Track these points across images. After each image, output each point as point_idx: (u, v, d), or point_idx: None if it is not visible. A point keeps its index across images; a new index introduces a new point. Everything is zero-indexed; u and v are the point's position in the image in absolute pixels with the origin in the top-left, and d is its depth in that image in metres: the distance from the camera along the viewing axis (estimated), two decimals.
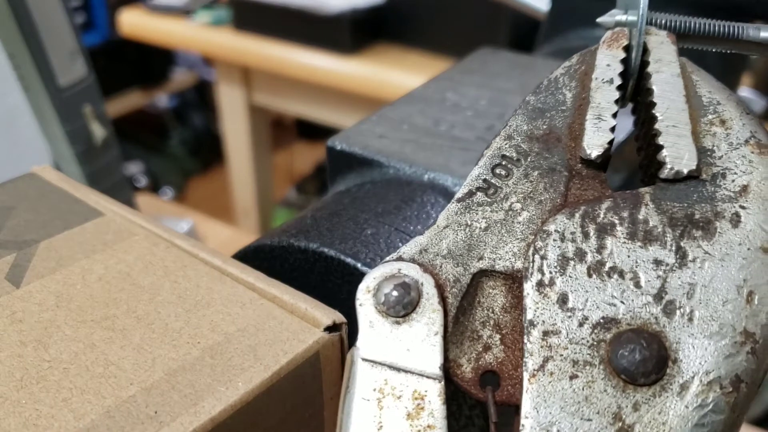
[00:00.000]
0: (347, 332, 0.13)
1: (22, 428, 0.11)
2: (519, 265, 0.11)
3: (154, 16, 0.94)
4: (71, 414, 0.11)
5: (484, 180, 0.11)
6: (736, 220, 0.10)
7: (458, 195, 0.11)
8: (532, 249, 0.10)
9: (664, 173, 0.11)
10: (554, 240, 0.10)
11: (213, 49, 0.90)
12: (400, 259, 0.11)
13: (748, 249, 0.10)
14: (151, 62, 1.38)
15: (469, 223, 0.11)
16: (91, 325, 0.13)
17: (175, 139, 1.54)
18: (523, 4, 0.32)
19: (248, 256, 0.17)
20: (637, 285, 0.10)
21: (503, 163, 0.11)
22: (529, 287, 0.10)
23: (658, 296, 0.10)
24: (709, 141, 0.11)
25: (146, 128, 1.53)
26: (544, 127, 0.12)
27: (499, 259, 0.11)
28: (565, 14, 0.28)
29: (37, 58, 0.32)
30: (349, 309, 0.16)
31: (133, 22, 0.96)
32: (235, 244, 0.22)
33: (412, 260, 0.11)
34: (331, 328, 0.13)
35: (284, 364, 0.12)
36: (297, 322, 0.13)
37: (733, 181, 0.11)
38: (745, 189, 0.10)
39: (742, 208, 0.10)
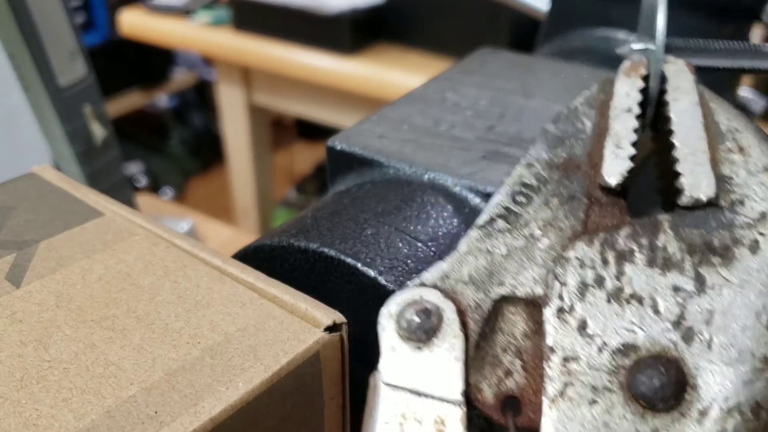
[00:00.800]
0: (348, 332, 0.13)
1: (22, 428, 0.11)
2: (539, 291, 0.11)
3: (154, 16, 0.94)
4: (71, 414, 0.11)
5: (505, 207, 0.11)
6: (754, 247, 0.10)
7: (479, 222, 0.11)
8: (552, 275, 0.11)
9: (683, 200, 0.11)
10: (574, 266, 0.11)
11: (213, 49, 0.90)
12: (422, 284, 0.11)
13: (767, 275, 0.10)
14: (151, 62, 1.38)
15: (490, 249, 0.11)
16: (91, 325, 0.13)
17: (175, 139, 1.54)
18: (523, 4, 0.32)
19: (248, 256, 0.17)
20: (656, 311, 0.10)
21: (523, 190, 0.12)
22: (549, 313, 0.10)
23: (677, 323, 0.10)
24: (728, 168, 0.11)
25: (146, 128, 1.53)
26: (564, 155, 0.12)
27: (520, 285, 0.11)
28: (565, 14, 0.28)
29: (37, 58, 0.32)
30: (348, 309, 0.16)
31: (133, 22, 0.96)
32: (235, 244, 0.22)
33: (434, 286, 0.11)
34: (332, 328, 0.13)
35: (284, 364, 0.12)
36: (297, 322, 0.13)
37: (752, 208, 0.11)
38: (763, 216, 0.10)
39: (761, 234, 0.10)
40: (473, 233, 0.11)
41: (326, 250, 0.15)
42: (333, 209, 0.17)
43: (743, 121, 0.12)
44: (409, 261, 0.15)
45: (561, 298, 0.10)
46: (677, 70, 0.12)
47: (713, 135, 0.11)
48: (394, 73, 0.74)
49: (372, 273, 0.15)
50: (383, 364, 0.11)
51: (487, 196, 0.17)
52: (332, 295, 0.16)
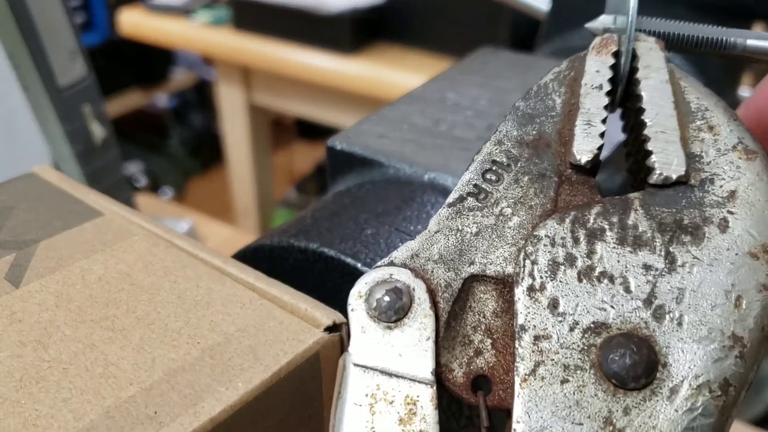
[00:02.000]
0: (347, 332, 0.13)
1: (21, 428, 0.11)
2: (510, 269, 0.11)
3: (153, 16, 0.94)
4: (71, 414, 0.11)
5: (475, 185, 0.11)
6: (724, 226, 0.10)
7: (449, 200, 0.11)
8: (522, 254, 0.11)
9: (653, 178, 0.11)
10: (545, 245, 0.10)
11: (213, 49, 0.90)
12: (391, 264, 0.11)
13: (736, 254, 0.10)
14: (150, 62, 1.38)
15: (460, 228, 0.11)
16: (90, 325, 0.13)
17: (175, 139, 1.54)
18: (523, 3, 0.32)
19: (248, 256, 0.17)
20: (627, 290, 0.10)
21: (494, 168, 0.11)
22: (520, 292, 0.10)
23: (648, 301, 0.10)
24: (698, 147, 0.11)
25: (146, 128, 1.53)
26: (534, 132, 0.12)
27: (490, 264, 0.11)
28: (565, 14, 0.28)
29: (36, 58, 0.32)
30: None
31: (132, 22, 0.96)
32: (235, 244, 0.22)
33: (404, 265, 0.11)
34: (331, 329, 0.13)
35: (284, 365, 0.12)
36: (297, 322, 0.13)
37: (721, 186, 0.11)
38: (732, 194, 0.11)
39: (730, 213, 0.10)
40: (443, 212, 0.11)
41: (326, 250, 0.15)
42: (333, 209, 0.17)
43: (713, 99, 0.12)
44: None
45: (532, 276, 0.10)
46: (648, 47, 0.12)
47: (683, 113, 0.11)
48: (394, 73, 0.74)
49: None
50: (353, 344, 0.11)
51: None
52: (332, 295, 0.16)
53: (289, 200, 1.27)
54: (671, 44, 0.13)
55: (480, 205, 0.11)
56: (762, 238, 0.10)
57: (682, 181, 0.11)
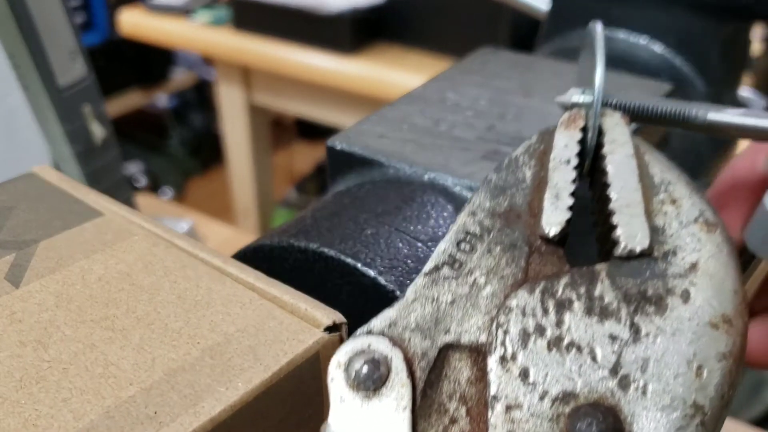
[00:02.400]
0: (347, 332, 0.13)
1: (21, 428, 0.11)
2: (483, 338, 0.11)
3: (153, 16, 0.94)
4: (71, 414, 0.11)
5: (450, 255, 0.12)
6: (686, 296, 0.11)
7: (425, 269, 0.12)
8: (495, 324, 0.11)
9: (619, 251, 0.11)
10: (516, 315, 0.11)
11: (213, 49, 0.90)
12: (370, 332, 0.11)
13: (697, 324, 0.10)
14: (150, 62, 1.38)
15: (436, 296, 0.11)
16: (90, 325, 0.13)
17: (175, 139, 1.54)
18: (523, 3, 0.32)
19: (248, 256, 0.17)
20: (594, 359, 0.10)
21: (467, 238, 0.12)
22: (492, 362, 0.11)
23: (614, 370, 0.10)
24: (661, 219, 0.12)
25: (146, 128, 1.53)
26: (506, 204, 0.12)
27: (465, 333, 0.11)
28: (565, 14, 0.28)
29: (36, 58, 0.32)
30: (348, 309, 0.16)
31: (132, 22, 0.96)
32: (235, 244, 0.22)
33: (382, 334, 0.11)
34: (331, 329, 0.13)
35: (284, 365, 0.12)
36: (297, 322, 0.13)
37: (683, 258, 0.11)
38: (694, 266, 0.11)
39: (692, 284, 0.11)
40: (420, 281, 0.12)
41: (326, 250, 0.15)
42: (333, 209, 0.17)
43: (676, 172, 0.12)
44: (409, 261, 0.15)
45: (504, 346, 0.11)
46: (614, 122, 0.13)
47: (647, 187, 0.12)
48: (394, 73, 0.74)
49: (372, 273, 0.15)
50: (332, 415, 0.11)
51: None
52: (332, 295, 0.16)
53: (289, 200, 1.27)
54: (637, 118, 0.14)
55: (455, 274, 0.12)
56: (722, 309, 0.11)
57: (646, 254, 0.11)
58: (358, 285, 0.15)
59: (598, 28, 0.14)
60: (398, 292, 0.15)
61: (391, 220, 0.17)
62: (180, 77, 1.51)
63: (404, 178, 0.18)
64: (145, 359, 0.12)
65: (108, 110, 0.37)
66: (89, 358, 0.12)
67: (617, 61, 0.26)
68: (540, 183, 0.12)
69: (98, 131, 0.35)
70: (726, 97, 0.27)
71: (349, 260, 0.15)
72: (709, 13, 0.19)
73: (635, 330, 0.10)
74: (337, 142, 0.19)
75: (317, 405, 0.13)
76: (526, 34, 0.67)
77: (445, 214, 0.17)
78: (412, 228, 0.16)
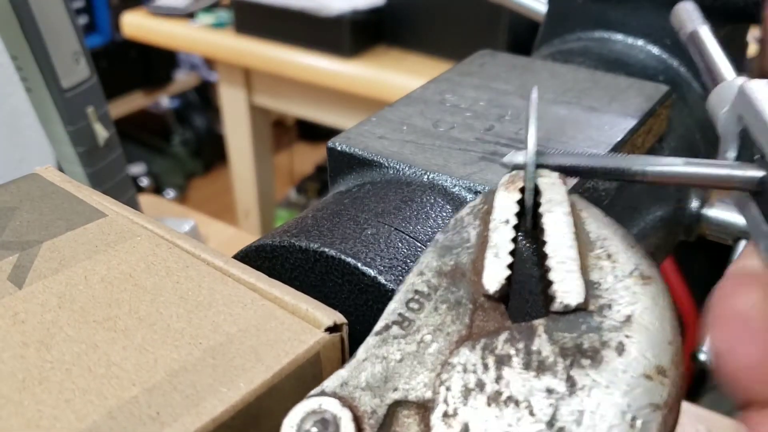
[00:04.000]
0: (348, 333, 0.13)
1: (24, 429, 0.11)
2: (429, 394, 0.11)
3: (156, 19, 0.95)
4: (73, 415, 0.11)
5: (399, 314, 0.12)
6: (621, 349, 0.11)
7: (376, 328, 0.12)
8: (438, 381, 0.11)
9: (555, 306, 0.12)
10: (458, 372, 0.11)
11: (214, 51, 0.90)
12: (323, 393, 0.11)
13: (632, 376, 0.11)
14: (153, 64, 1.39)
15: (385, 355, 0.12)
16: (93, 325, 0.13)
17: (177, 140, 1.55)
18: (522, 5, 0.32)
19: (249, 256, 0.17)
20: (531, 413, 0.11)
21: (416, 297, 0.12)
22: (435, 418, 0.11)
23: (550, 423, 0.10)
24: (597, 274, 0.12)
25: (148, 129, 1.53)
26: (451, 263, 0.13)
27: (412, 390, 0.11)
28: (562, 17, 0.28)
29: (40, 60, 0.32)
30: (349, 308, 0.16)
31: (135, 24, 0.96)
32: (237, 244, 0.22)
33: (334, 394, 0.11)
34: (332, 329, 0.13)
35: (285, 365, 0.12)
36: (298, 322, 0.13)
37: (618, 311, 0.11)
38: (628, 319, 0.11)
39: (627, 337, 0.11)
40: (371, 340, 0.12)
41: (327, 249, 0.16)
42: (333, 209, 0.17)
43: (612, 228, 0.13)
44: (408, 261, 0.16)
45: (446, 402, 0.11)
46: (550, 182, 0.13)
47: (583, 243, 0.12)
48: (393, 76, 0.74)
49: (372, 272, 0.15)
50: None
51: None
52: (333, 295, 0.16)
53: (290, 201, 1.27)
54: (576, 175, 0.14)
55: (404, 332, 0.12)
56: (656, 360, 0.11)
57: (582, 308, 0.12)
58: (358, 284, 0.15)
59: (533, 93, 0.14)
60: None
61: (391, 220, 0.17)
62: (182, 79, 1.51)
63: (404, 179, 0.18)
64: (147, 360, 0.12)
65: (111, 111, 0.37)
66: (92, 359, 0.12)
67: (614, 63, 0.26)
68: (483, 242, 0.13)
69: (101, 132, 0.35)
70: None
71: (349, 260, 0.15)
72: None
73: (571, 383, 0.11)
74: (338, 143, 0.19)
75: None
76: (524, 38, 0.67)
77: (444, 214, 0.17)
78: (411, 228, 0.16)
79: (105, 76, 0.37)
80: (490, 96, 0.22)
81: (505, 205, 0.13)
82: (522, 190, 0.13)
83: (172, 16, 0.93)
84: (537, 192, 0.13)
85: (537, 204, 0.13)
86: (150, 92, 1.43)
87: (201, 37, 0.89)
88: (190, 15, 0.92)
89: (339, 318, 0.13)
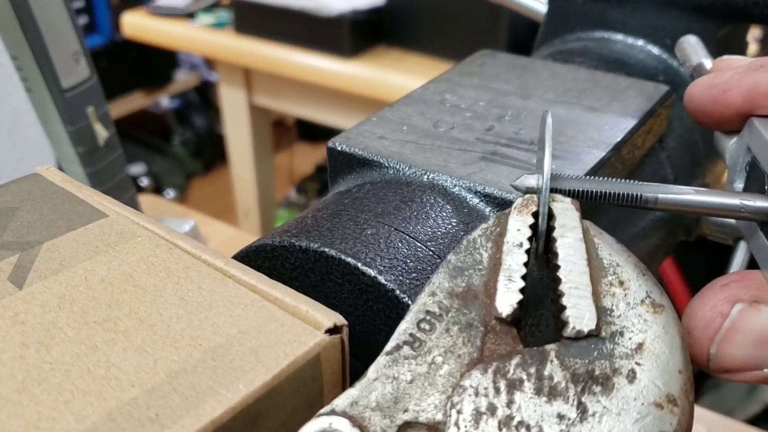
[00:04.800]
0: (348, 334, 0.13)
1: (23, 430, 0.11)
2: (440, 417, 0.11)
3: (156, 19, 0.95)
4: (72, 416, 0.11)
5: (410, 334, 0.12)
6: (632, 376, 0.11)
7: (387, 348, 0.12)
8: (449, 403, 0.11)
9: (567, 332, 0.12)
10: (469, 395, 0.11)
11: (214, 51, 0.90)
12: (333, 412, 0.11)
13: (642, 404, 0.11)
14: (153, 64, 1.39)
15: (396, 375, 0.12)
16: (93, 326, 0.13)
17: (178, 140, 1.55)
18: (522, 5, 0.32)
19: (250, 256, 0.17)
20: None
21: (427, 317, 0.12)
22: None
23: None
24: (609, 301, 0.12)
25: (149, 129, 1.53)
26: (463, 284, 0.13)
27: (423, 411, 0.11)
28: (562, 17, 0.28)
29: (40, 60, 0.32)
30: (349, 307, 0.16)
31: (135, 24, 0.96)
32: (237, 244, 0.22)
33: (344, 413, 0.11)
34: (332, 331, 0.13)
35: (285, 367, 0.12)
36: (298, 324, 0.13)
37: (630, 338, 0.12)
38: (640, 347, 0.11)
39: (638, 364, 0.11)
40: (381, 360, 0.12)
41: (327, 249, 0.16)
42: (333, 209, 0.17)
43: (624, 255, 0.13)
44: (408, 261, 0.16)
45: (457, 426, 0.11)
46: (564, 207, 0.13)
47: (596, 269, 0.13)
48: (393, 76, 0.74)
49: (372, 272, 0.15)
50: None
51: (485, 197, 0.17)
52: (333, 295, 0.16)
53: (290, 201, 1.27)
54: (589, 200, 0.14)
55: (414, 353, 0.12)
56: (666, 389, 0.11)
57: (593, 334, 0.12)
58: (358, 284, 0.15)
59: (548, 118, 0.14)
60: (397, 291, 0.15)
61: (391, 220, 0.17)
62: (182, 79, 1.51)
63: (404, 179, 0.18)
64: (147, 361, 0.12)
65: (111, 111, 0.37)
66: (91, 360, 0.12)
67: (614, 63, 0.26)
68: (495, 264, 0.13)
69: (101, 132, 0.35)
70: None
71: (349, 260, 0.15)
72: (705, 15, 0.19)
73: (582, 409, 0.11)
74: (338, 143, 0.19)
75: (318, 407, 0.13)
76: (524, 38, 0.67)
77: (444, 214, 0.17)
78: (411, 228, 0.16)
79: (105, 76, 0.37)
80: (490, 96, 0.22)
81: (518, 229, 0.13)
82: (535, 215, 0.13)
83: (172, 16, 0.93)
84: (550, 216, 0.13)
85: (550, 228, 0.13)
86: (150, 92, 1.43)
87: (201, 37, 0.89)
88: (190, 15, 0.92)
89: (339, 319, 0.13)
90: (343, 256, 0.15)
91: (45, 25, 0.31)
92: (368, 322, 0.16)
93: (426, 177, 0.18)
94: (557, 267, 0.13)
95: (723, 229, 0.25)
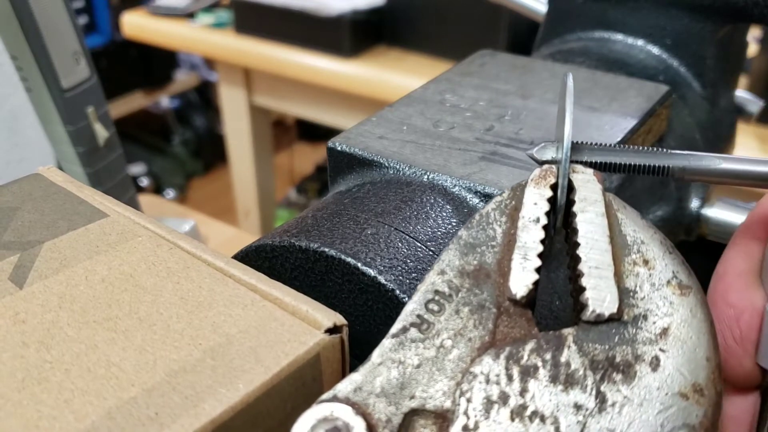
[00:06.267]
0: (348, 334, 0.13)
1: (23, 429, 0.11)
2: (448, 404, 0.11)
3: (156, 19, 0.95)
4: (72, 415, 0.11)
5: (418, 315, 0.11)
6: (655, 364, 0.10)
7: (393, 330, 0.11)
8: (458, 391, 0.11)
9: (586, 315, 0.11)
10: (480, 382, 0.11)
11: (214, 51, 0.90)
12: (335, 398, 0.11)
13: (666, 394, 0.10)
14: (153, 64, 1.39)
15: (402, 360, 0.11)
16: (93, 326, 0.13)
17: (177, 140, 1.55)
18: (522, 5, 0.32)
19: (249, 256, 0.17)
20: (558, 430, 0.10)
21: (436, 298, 0.12)
22: (454, 431, 0.10)
23: None
24: (632, 281, 0.11)
25: (149, 129, 1.53)
26: (475, 262, 0.12)
27: (430, 398, 0.11)
28: (562, 17, 0.28)
29: (40, 60, 0.32)
30: (349, 307, 0.16)
31: (135, 24, 0.96)
32: (237, 244, 0.22)
33: (347, 400, 0.11)
34: (332, 330, 0.13)
35: (285, 366, 0.12)
36: (298, 323, 0.13)
37: (654, 323, 0.11)
38: (665, 332, 0.11)
39: (662, 351, 0.10)
40: (387, 343, 0.11)
41: (327, 249, 0.16)
42: (333, 209, 0.17)
43: (650, 232, 0.12)
44: (408, 261, 0.16)
45: (467, 415, 0.10)
46: (585, 179, 0.12)
47: (618, 247, 0.12)
48: (393, 76, 0.74)
49: (372, 272, 0.15)
50: None
51: (485, 197, 0.17)
52: (333, 295, 0.16)
53: (290, 201, 1.27)
54: (613, 171, 0.13)
55: (422, 336, 0.11)
56: (692, 378, 0.10)
57: (615, 318, 0.11)
58: (358, 284, 0.15)
59: (569, 81, 0.13)
60: (397, 291, 0.15)
61: (391, 220, 0.17)
62: (182, 79, 1.51)
63: (404, 179, 0.18)
64: (146, 360, 0.12)
65: (111, 111, 0.37)
66: (91, 359, 0.12)
67: (614, 63, 0.26)
68: (510, 241, 0.12)
69: (101, 132, 0.35)
70: (722, 98, 0.27)
71: (349, 260, 0.15)
72: (705, 15, 0.19)
73: (601, 399, 0.10)
74: (338, 143, 0.19)
75: None
76: (524, 38, 0.67)
77: (444, 214, 0.17)
78: (411, 228, 0.16)
79: (105, 76, 0.37)
80: (490, 96, 0.22)
81: (535, 203, 0.12)
82: (554, 187, 0.12)
83: (172, 16, 0.93)
84: (570, 189, 0.12)
85: (569, 202, 0.12)
86: (150, 92, 1.43)
87: (201, 37, 0.89)
88: (190, 15, 0.92)
89: (339, 319, 0.13)
90: (343, 256, 0.15)
91: (45, 25, 0.31)
92: (368, 321, 0.16)
93: (426, 177, 0.18)
94: (577, 244, 0.12)
95: (723, 228, 0.25)
